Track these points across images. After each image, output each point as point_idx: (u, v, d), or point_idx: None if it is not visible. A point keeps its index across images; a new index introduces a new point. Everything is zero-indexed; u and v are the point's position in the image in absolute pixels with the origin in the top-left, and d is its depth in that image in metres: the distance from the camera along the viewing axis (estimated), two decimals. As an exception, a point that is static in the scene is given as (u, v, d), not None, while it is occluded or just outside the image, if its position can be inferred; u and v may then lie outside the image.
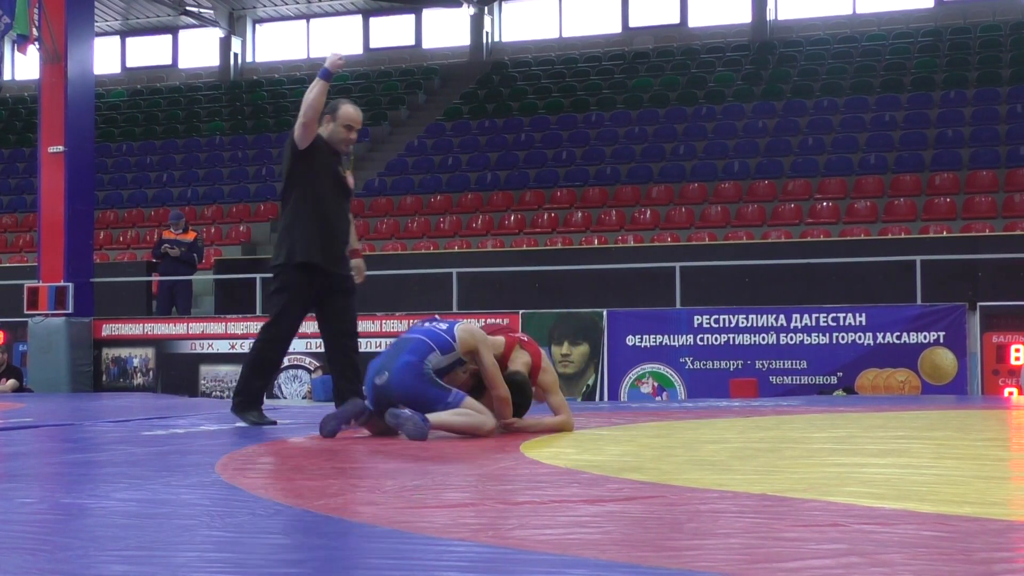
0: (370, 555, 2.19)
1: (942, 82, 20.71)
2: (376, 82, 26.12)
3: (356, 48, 27.92)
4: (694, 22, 25.21)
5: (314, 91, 5.76)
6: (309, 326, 14.29)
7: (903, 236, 14.84)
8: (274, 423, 5.94)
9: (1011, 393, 10.53)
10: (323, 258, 5.93)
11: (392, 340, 5.74)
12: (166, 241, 14.72)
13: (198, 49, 29.03)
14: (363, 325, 12.72)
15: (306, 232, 5.89)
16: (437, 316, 5.77)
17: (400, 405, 4.79)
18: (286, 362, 13.01)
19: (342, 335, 6.11)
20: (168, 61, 29.44)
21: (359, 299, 6.32)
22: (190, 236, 14.91)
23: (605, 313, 11.88)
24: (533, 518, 2.59)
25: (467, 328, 5.14)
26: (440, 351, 4.98)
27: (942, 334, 10.91)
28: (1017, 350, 10.83)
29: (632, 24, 25.69)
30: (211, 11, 27.30)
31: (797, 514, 2.64)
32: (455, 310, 12.58)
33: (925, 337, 10.96)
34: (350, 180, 6.21)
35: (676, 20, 25.31)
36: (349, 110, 5.97)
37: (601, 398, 11.54)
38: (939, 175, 17.42)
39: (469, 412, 4.92)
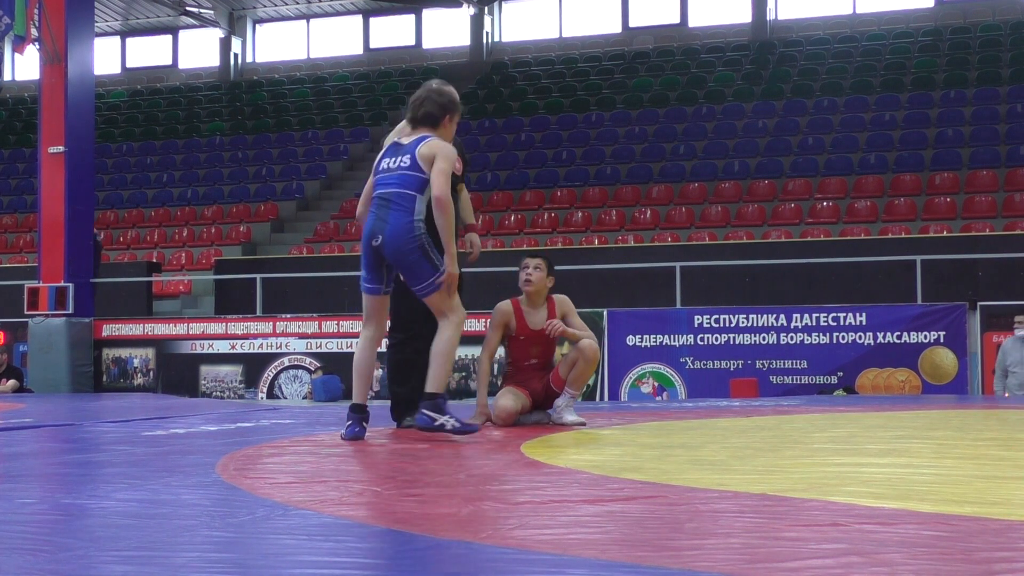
0: (370, 555, 2.19)
1: (942, 82, 20.72)
2: (376, 82, 26.11)
3: (356, 48, 27.93)
4: (694, 22, 25.21)
5: None
6: (311, 326, 14.14)
7: (903, 236, 14.85)
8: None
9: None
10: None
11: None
12: None
13: (198, 49, 29.03)
14: (359, 325, 12.80)
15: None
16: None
17: (422, 410, 4.76)
18: (286, 362, 13.02)
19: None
20: (168, 61, 29.44)
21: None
22: None
23: (605, 313, 11.88)
24: (533, 518, 2.59)
25: (429, 145, 4.85)
26: (419, 192, 4.82)
27: (942, 334, 10.91)
28: (1017, 350, 10.81)
29: (632, 24, 25.69)
30: (211, 11, 27.30)
31: (797, 514, 2.64)
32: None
33: (925, 337, 10.96)
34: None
35: (676, 20, 25.31)
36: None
37: (601, 398, 11.53)
38: (939, 175, 17.43)
39: (453, 326, 4.82)
